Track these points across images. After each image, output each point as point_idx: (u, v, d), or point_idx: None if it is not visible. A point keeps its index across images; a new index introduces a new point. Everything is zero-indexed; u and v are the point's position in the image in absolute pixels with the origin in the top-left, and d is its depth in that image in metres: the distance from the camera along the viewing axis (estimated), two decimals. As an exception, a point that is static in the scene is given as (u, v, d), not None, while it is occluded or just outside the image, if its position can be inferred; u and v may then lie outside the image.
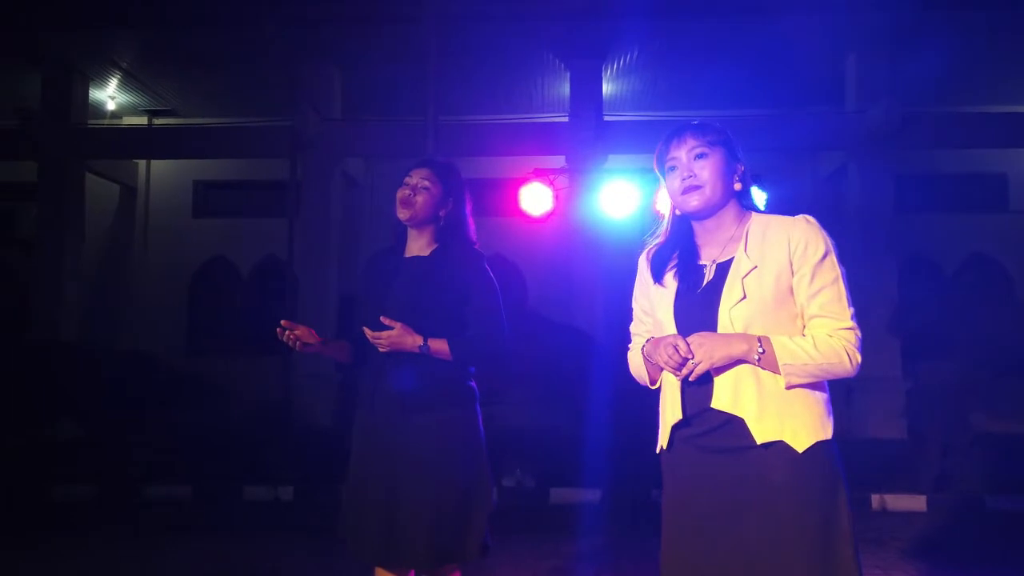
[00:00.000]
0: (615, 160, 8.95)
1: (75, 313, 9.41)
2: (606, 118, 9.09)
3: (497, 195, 7.34)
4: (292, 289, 9.05)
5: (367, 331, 2.34)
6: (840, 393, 9.52)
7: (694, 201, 1.78)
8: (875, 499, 5.86)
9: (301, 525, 5.26)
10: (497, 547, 4.80)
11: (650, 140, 7.58)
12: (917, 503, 5.82)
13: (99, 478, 6.41)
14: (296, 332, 2.33)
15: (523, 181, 6.25)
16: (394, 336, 2.31)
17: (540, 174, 5.54)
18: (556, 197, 5.62)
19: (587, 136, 8.85)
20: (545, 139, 9.33)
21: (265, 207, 10.50)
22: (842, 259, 1.73)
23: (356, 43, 8.82)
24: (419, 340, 2.33)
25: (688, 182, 1.77)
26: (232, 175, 10.79)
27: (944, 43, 8.59)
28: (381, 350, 2.33)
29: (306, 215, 9.19)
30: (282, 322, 2.34)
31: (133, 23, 8.47)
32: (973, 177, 10.21)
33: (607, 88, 9.63)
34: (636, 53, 9.14)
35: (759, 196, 6.84)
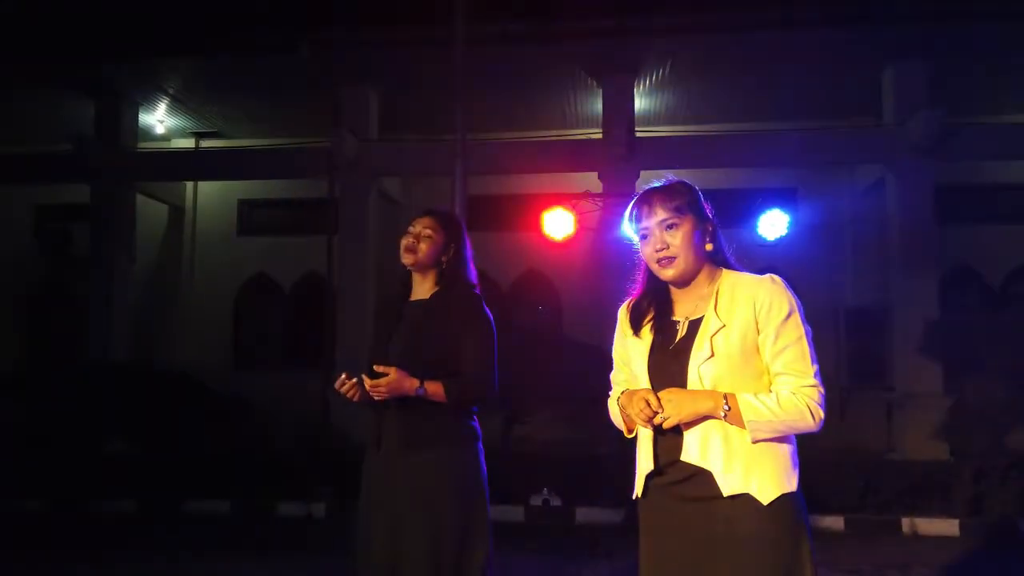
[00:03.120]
0: (648, 176, 8.96)
1: (126, 329, 9.80)
2: (638, 134, 9.11)
3: (533, 211, 7.44)
4: (331, 304, 9.28)
5: (366, 380, 2.45)
6: (881, 411, 9.41)
7: (670, 272, 1.85)
8: (905, 523, 5.75)
9: (331, 543, 5.41)
10: (522, 567, 4.89)
11: (684, 155, 7.68)
12: (949, 527, 5.69)
13: (142, 493, 6.68)
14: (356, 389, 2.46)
15: (551, 202, 6.33)
16: (392, 382, 2.43)
17: (562, 199, 5.61)
18: (579, 221, 5.69)
19: (620, 152, 8.89)
20: (578, 156, 9.41)
21: (306, 225, 10.80)
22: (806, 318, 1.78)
23: (391, 66, 9.03)
24: (415, 383, 2.45)
25: (662, 254, 1.84)
26: (274, 194, 11.13)
27: (983, 53, 8.44)
28: (378, 399, 2.45)
29: (345, 232, 9.42)
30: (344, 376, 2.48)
31: (180, 52, 8.82)
32: (1018, 187, 9.95)
33: (639, 104, 9.66)
34: (668, 68, 9.15)
35: (780, 219, 6.80)
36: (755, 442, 1.75)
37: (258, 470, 6.93)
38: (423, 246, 2.60)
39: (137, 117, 10.19)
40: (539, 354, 7.02)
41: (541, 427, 7.56)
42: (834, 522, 5.86)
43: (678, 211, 1.84)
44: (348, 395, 2.49)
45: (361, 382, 2.46)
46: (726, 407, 1.73)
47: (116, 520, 6.39)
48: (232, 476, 6.85)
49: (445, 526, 2.45)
